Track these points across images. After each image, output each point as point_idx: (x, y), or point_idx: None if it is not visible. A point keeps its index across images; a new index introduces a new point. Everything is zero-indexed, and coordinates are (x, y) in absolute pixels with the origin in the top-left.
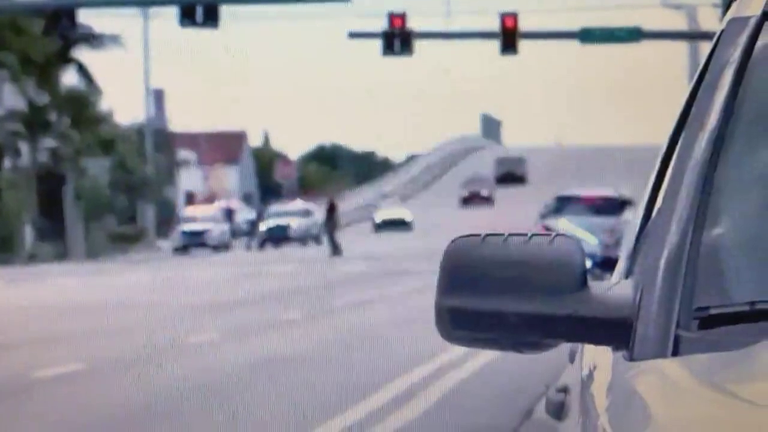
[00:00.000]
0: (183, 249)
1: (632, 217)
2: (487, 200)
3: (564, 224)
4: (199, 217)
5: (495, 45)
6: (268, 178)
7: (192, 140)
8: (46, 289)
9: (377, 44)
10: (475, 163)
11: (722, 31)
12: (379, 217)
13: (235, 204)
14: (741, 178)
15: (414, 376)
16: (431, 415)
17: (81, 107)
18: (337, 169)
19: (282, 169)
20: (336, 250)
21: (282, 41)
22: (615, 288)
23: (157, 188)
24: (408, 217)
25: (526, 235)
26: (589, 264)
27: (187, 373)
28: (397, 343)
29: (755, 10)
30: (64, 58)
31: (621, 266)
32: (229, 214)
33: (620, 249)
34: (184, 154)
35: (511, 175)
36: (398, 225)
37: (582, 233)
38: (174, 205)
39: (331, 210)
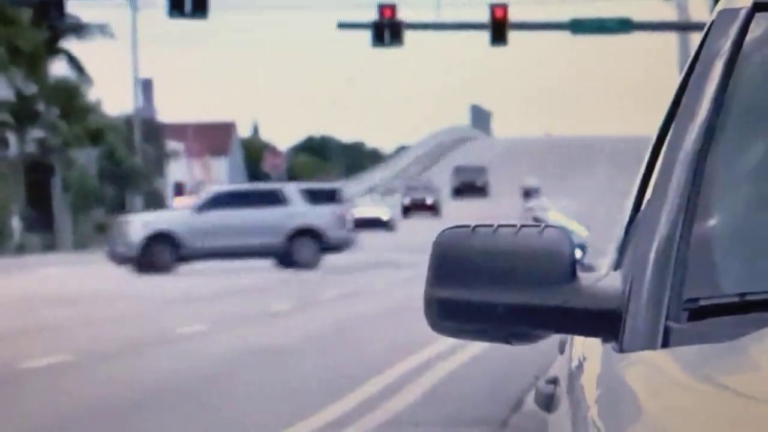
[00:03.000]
0: None
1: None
2: (431, 209)
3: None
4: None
5: (485, 36)
6: (257, 169)
7: (181, 131)
8: (35, 280)
9: (367, 35)
10: (464, 154)
11: (712, 23)
12: (355, 215)
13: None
14: (731, 170)
15: (401, 368)
16: (421, 406)
17: (69, 98)
18: (326, 160)
19: (271, 160)
20: None
21: (271, 32)
22: (604, 279)
23: (145, 179)
24: (385, 216)
25: (515, 226)
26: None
27: (175, 365)
28: (382, 332)
29: (745, 2)
30: (52, 48)
31: (611, 258)
32: None
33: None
34: (172, 144)
35: (469, 186)
36: (374, 224)
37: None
38: (163, 196)
39: None
